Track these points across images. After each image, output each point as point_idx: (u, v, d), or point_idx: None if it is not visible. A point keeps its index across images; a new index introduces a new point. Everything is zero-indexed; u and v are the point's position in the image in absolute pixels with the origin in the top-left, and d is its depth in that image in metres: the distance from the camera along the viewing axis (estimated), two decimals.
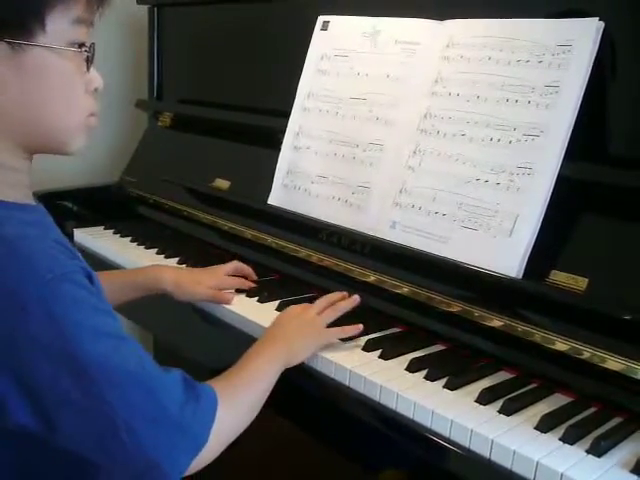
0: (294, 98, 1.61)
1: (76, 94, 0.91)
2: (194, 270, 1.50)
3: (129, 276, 1.40)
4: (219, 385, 0.96)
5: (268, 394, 1.06)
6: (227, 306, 1.38)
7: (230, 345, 1.33)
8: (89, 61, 0.91)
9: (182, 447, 0.87)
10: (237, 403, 0.98)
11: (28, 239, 0.84)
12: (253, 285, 1.45)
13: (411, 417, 1.04)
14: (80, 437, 0.83)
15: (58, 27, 0.86)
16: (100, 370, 0.81)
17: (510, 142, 1.21)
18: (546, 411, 1.02)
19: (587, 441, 0.95)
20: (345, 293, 1.29)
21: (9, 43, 0.84)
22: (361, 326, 1.22)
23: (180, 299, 1.38)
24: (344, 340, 1.23)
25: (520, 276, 1.16)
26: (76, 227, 1.93)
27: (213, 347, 1.45)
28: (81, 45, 0.90)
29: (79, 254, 0.91)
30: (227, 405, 0.93)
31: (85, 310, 0.83)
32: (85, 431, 0.82)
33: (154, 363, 0.88)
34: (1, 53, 0.84)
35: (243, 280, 1.46)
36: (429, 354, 1.21)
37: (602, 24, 1.15)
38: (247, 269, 1.49)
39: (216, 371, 1.03)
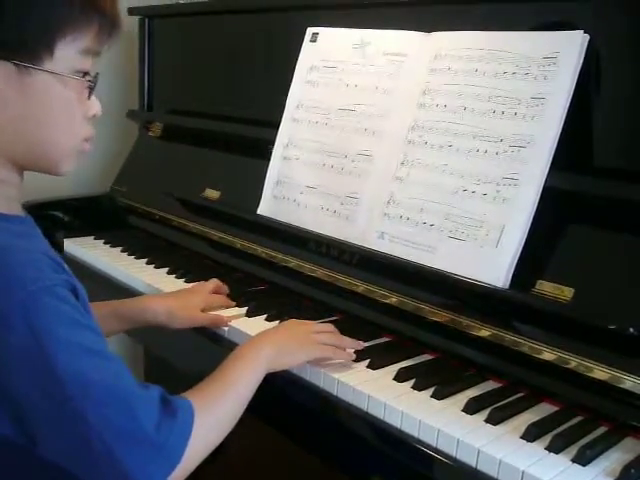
0: (283, 109, 1.62)
1: (74, 120, 0.93)
2: (179, 294, 1.45)
3: (113, 308, 1.33)
4: (197, 397, 0.95)
5: (249, 399, 1.04)
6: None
7: (220, 356, 1.33)
8: (91, 90, 0.94)
9: (157, 463, 0.86)
10: (215, 416, 0.97)
11: (13, 250, 0.85)
12: (233, 304, 1.44)
13: (398, 427, 1.04)
14: (58, 449, 0.84)
15: (65, 55, 0.89)
16: (76, 385, 0.81)
17: (497, 153, 1.22)
18: (532, 420, 1.02)
19: (573, 450, 0.96)
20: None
21: (16, 65, 0.86)
22: (353, 355, 1.21)
23: (177, 328, 1.35)
24: None
25: (507, 286, 1.16)
26: (66, 237, 1.93)
27: (202, 356, 1.44)
28: (85, 74, 0.92)
29: (66, 267, 0.92)
30: (204, 419, 0.93)
31: (66, 324, 0.83)
32: (61, 443, 0.83)
33: (133, 380, 0.88)
34: (7, 73, 0.86)
35: (227, 299, 1.45)
36: (417, 364, 1.21)
37: (587, 37, 1.16)
38: (224, 287, 1.47)
39: None
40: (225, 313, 1.39)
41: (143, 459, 0.85)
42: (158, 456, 0.86)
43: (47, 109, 0.90)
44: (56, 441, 0.83)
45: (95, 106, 0.96)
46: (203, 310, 1.38)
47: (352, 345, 1.22)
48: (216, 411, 0.98)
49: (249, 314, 1.39)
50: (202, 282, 1.48)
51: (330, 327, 1.25)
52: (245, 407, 1.04)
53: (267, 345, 1.12)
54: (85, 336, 0.85)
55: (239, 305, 1.44)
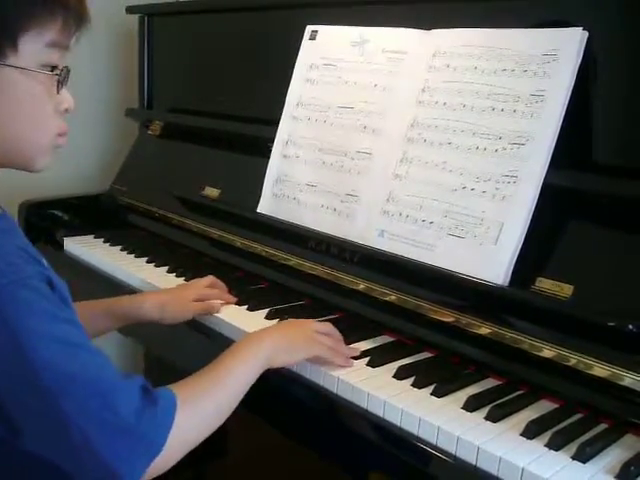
0: (283, 107, 1.62)
1: (44, 114, 0.93)
2: (172, 289, 1.47)
3: (106, 305, 1.34)
4: (182, 389, 0.95)
5: (242, 395, 1.03)
6: (217, 314, 1.38)
7: (220, 354, 1.33)
8: (60, 83, 0.93)
9: (138, 453, 0.86)
10: (200, 408, 0.96)
11: None
12: (232, 298, 1.45)
13: (398, 424, 1.04)
14: (41, 442, 0.83)
15: (31, 49, 0.87)
16: (53, 377, 0.81)
17: (496, 150, 1.22)
18: (532, 417, 1.02)
19: (572, 447, 0.96)
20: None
21: None
22: (353, 362, 1.19)
23: (170, 322, 1.35)
24: None
25: (506, 283, 1.17)
26: (66, 236, 1.93)
27: (203, 356, 1.44)
28: (53, 68, 0.91)
29: (45, 261, 0.91)
30: (188, 409, 0.92)
31: (40, 316, 0.83)
32: (43, 435, 0.83)
33: (114, 370, 0.88)
34: None
35: (222, 293, 1.45)
36: (417, 361, 1.21)
37: (586, 34, 1.16)
38: (221, 284, 1.47)
39: None
40: (223, 309, 1.39)
41: (124, 448, 0.84)
42: (139, 445, 0.86)
43: (15, 104, 0.89)
44: (38, 433, 0.83)
45: (67, 100, 0.95)
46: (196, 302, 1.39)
47: (348, 353, 1.21)
48: (202, 404, 0.97)
49: (249, 312, 1.39)
50: (198, 278, 1.48)
51: (329, 325, 1.24)
52: (238, 402, 1.03)
53: (266, 341, 1.11)
54: (62, 329, 0.85)
55: (239, 303, 1.43)
